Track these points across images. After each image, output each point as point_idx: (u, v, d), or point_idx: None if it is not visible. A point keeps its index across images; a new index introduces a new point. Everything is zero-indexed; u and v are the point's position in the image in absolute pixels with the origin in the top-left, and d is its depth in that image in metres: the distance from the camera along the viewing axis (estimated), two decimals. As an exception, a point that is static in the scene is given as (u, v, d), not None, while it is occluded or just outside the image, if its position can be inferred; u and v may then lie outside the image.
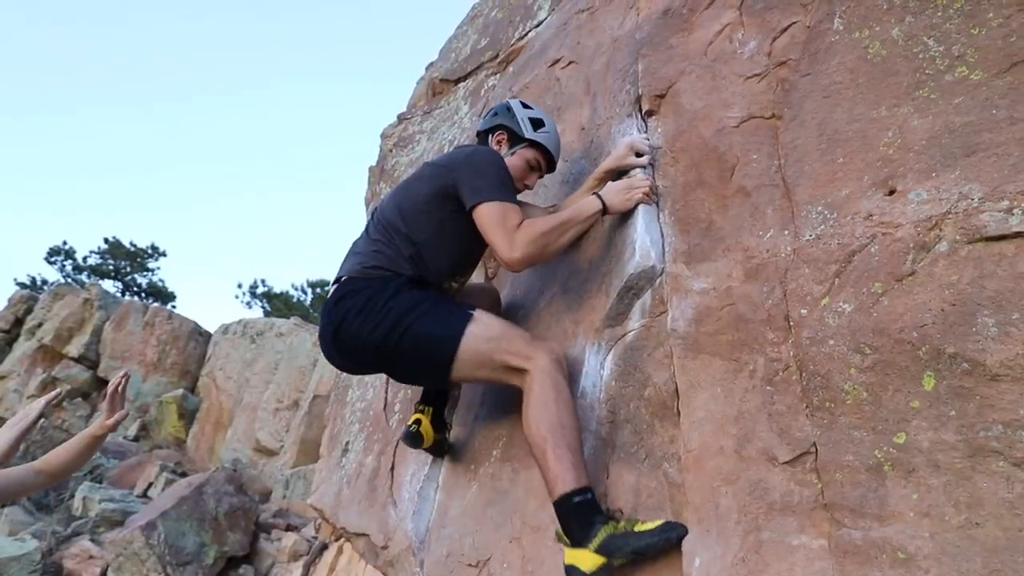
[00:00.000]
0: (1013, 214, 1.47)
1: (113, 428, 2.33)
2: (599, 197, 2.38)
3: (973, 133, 1.61)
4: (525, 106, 2.77)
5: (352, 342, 2.38)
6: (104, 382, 15.28)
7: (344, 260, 2.58)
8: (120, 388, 2.35)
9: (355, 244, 2.62)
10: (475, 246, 2.57)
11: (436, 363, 2.33)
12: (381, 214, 2.57)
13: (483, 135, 2.80)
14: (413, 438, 2.77)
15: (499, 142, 2.73)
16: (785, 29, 2.19)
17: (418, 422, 2.80)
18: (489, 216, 2.33)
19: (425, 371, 2.47)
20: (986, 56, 1.64)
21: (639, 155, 2.48)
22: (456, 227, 2.46)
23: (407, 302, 2.34)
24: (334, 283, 2.52)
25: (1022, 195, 1.48)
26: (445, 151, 3.84)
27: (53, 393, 2.30)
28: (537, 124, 2.72)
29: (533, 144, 2.69)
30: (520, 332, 2.34)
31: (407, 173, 4.12)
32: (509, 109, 2.76)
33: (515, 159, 2.67)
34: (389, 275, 2.41)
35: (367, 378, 3.43)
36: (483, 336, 2.30)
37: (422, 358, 2.35)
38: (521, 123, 2.70)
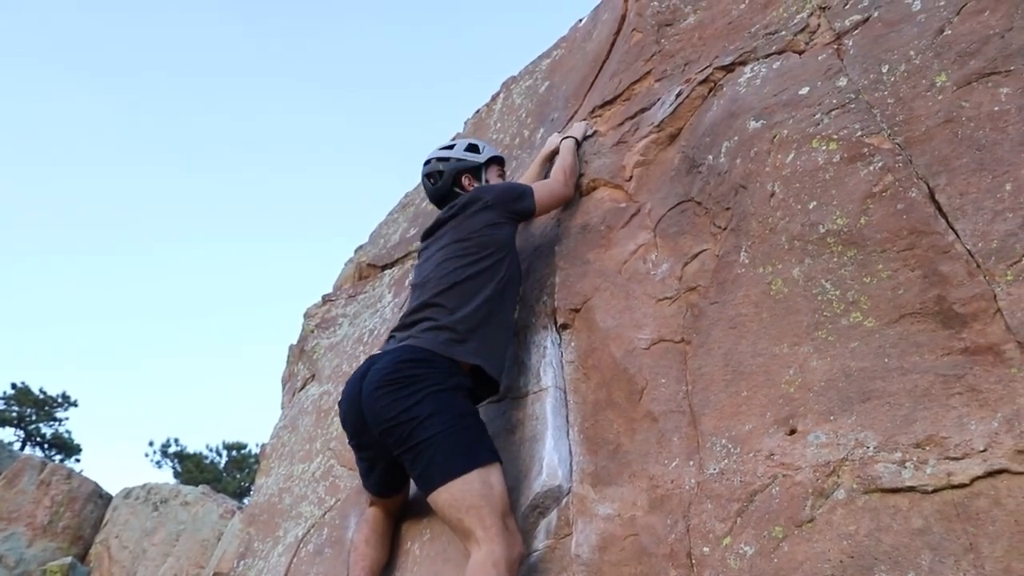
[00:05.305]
0: (906, 467, 1.49)
1: None
2: None
3: (868, 379, 1.65)
4: (449, 146, 3.13)
5: (383, 405, 2.26)
6: (-19, 548, 13.92)
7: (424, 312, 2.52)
8: None
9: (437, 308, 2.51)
10: None
11: (431, 472, 2.18)
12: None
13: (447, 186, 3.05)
14: None
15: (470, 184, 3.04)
16: (696, 255, 2.27)
17: None
18: None
19: (419, 471, 2.24)
20: (878, 305, 1.72)
21: None
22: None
23: (460, 407, 2.28)
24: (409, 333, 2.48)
25: (914, 447, 1.51)
26: (365, 340, 3.80)
27: None
28: (472, 148, 3.10)
29: (491, 162, 3.12)
30: (506, 512, 2.12)
31: (326, 357, 4.06)
32: (448, 158, 3.07)
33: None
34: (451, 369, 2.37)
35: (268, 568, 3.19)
36: (480, 487, 2.11)
37: (426, 460, 2.19)
38: (468, 157, 3.07)
